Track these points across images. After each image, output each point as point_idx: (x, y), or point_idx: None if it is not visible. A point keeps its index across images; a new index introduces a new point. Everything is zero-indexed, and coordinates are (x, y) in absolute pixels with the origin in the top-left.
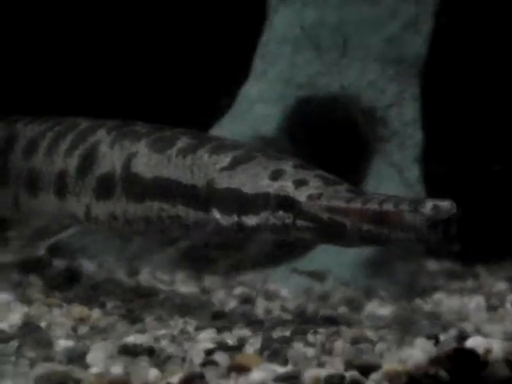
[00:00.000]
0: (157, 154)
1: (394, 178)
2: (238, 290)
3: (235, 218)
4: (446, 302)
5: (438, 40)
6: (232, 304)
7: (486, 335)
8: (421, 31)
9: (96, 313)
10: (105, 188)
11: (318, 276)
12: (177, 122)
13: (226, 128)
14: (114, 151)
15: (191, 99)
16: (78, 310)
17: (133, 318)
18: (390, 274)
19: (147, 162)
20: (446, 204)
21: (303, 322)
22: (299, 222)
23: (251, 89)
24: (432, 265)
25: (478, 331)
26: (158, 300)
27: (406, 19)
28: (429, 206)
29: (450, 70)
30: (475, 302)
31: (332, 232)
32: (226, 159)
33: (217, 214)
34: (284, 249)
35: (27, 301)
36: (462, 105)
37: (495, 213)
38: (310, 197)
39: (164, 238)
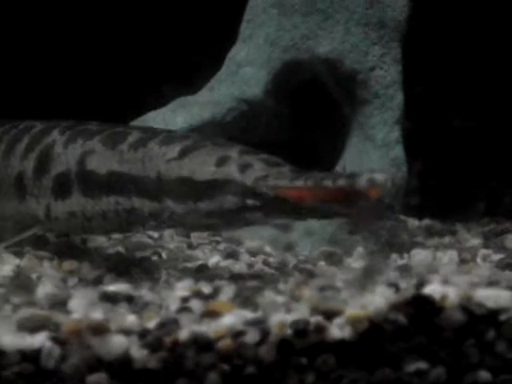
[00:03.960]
0: (109, 150)
1: (376, 139)
2: (222, 246)
3: (192, 205)
4: (419, 256)
5: (421, 4)
6: (216, 259)
7: (451, 285)
8: None
9: (85, 266)
10: (62, 187)
11: (284, 227)
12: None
13: (215, 90)
14: (68, 151)
15: (179, 62)
16: (67, 262)
17: (120, 271)
18: (368, 232)
19: (100, 158)
20: (380, 177)
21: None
22: (249, 203)
23: (238, 52)
24: (412, 222)
25: (446, 282)
26: (146, 254)
27: None
28: (363, 179)
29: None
30: (448, 257)
31: (279, 210)
32: (175, 149)
33: (170, 203)
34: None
35: (18, 253)
36: None
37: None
38: (256, 179)
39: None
